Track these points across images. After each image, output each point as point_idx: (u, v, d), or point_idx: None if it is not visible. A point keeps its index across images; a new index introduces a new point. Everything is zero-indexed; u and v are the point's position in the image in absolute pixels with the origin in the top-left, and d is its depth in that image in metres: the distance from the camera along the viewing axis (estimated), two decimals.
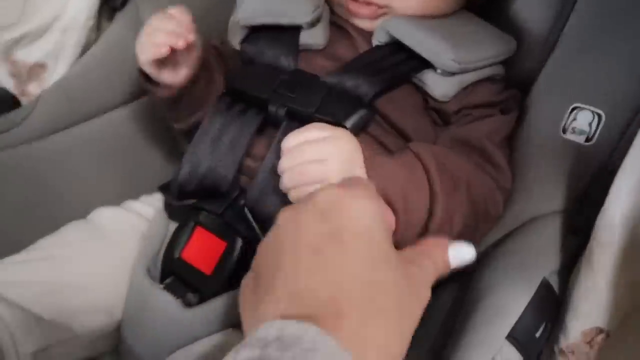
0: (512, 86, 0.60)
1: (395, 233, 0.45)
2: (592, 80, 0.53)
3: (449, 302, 0.56)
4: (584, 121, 0.52)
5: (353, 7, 0.59)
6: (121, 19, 0.73)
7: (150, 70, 0.57)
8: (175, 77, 0.58)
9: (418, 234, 0.50)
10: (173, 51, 0.54)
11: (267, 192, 0.51)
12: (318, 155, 0.47)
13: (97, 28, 0.73)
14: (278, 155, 0.51)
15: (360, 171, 0.48)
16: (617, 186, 0.43)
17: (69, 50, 0.71)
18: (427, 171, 0.50)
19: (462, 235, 0.52)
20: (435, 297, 0.59)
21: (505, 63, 0.60)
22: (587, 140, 0.52)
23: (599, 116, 0.51)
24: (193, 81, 0.60)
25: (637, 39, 0.50)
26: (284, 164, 0.49)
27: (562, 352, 0.49)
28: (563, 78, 0.56)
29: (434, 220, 0.49)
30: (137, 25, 0.70)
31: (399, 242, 0.47)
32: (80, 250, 0.56)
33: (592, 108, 0.52)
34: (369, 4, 0.58)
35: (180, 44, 0.54)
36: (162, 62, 0.56)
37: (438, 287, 0.59)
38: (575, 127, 0.52)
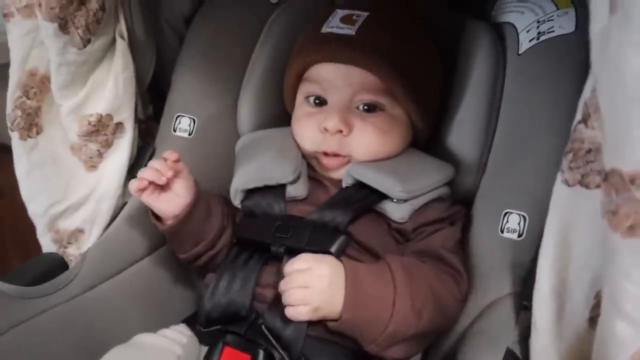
0: (458, 201, 0.77)
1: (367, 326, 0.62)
2: (515, 190, 0.69)
3: None
4: (514, 222, 0.67)
5: (326, 161, 0.77)
6: None
7: (142, 199, 0.73)
8: (168, 206, 0.73)
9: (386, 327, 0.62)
10: (156, 185, 0.71)
11: (282, 315, 0.64)
12: (303, 283, 0.63)
13: (123, 195, 0.87)
14: None
15: (339, 289, 0.62)
16: (540, 267, 0.57)
17: (102, 216, 0.85)
18: (393, 276, 0.64)
19: (432, 322, 0.65)
20: None
21: (450, 184, 0.77)
22: (519, 236, 0.67)
23: (524, 217, 0.67)
24: (189, 214, 0.73)
25: (540, 159, 0.67)
26: (281, 286, 0.64)
27: None
28: (494, 191, 0.72)
29: (397, 313, 0.62)
30: None
31: (368, 334, 0.63)
32: None
33: (518, 212, 0.67)
34: (336, 155, 0.76)
35: (160, 179, 0.71)
36: (158, 193, 0.72)
37: None
38: (509, 227, 0.68)
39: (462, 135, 0.78)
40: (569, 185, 0.53)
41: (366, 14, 0.75)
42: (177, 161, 0.73)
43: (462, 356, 0.65)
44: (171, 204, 0.74)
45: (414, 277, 0.65)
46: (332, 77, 0.75)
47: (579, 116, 0.52)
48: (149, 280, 0.85)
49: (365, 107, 0.75)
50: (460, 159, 0.78)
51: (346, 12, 0.76)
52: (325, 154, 0.77)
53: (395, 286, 0.63)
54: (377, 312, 0.63)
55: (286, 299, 0.63)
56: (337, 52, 0.74)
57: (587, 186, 0.52)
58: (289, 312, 0.63)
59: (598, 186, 0.51)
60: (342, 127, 0.74)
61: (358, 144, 0.75)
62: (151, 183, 0.72)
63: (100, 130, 0.82)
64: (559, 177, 0.54)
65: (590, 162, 0.52)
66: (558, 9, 0.72)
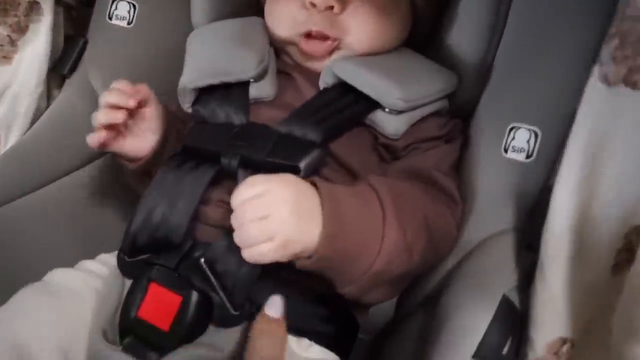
0: (455, 115, 0.63)
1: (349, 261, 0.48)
2: (525, 100, 0.56)
3: (415, 332, 0.57)
4: (522, 139, 0.54)
5: (308, 46, 0.61)
6: (70, 86, 0.75)
7: (107, 149, 0.60)
8: (140, 146, 0.61)
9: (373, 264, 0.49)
10: (114, 126, 0.58)
11: (229, 249, 0.50)
12: (260, 212, 0.47)
13: (47, 96, 0.75)
14: None
15: (312, 217, 0.48)
16: (556, 198, 0.44)
17: (20, 118, 0.73)
18: (380, 201, 0.50)
19: (423, 260, 0.53)
20: (402, 329, 0.59)
21: (448, 96, 0.62)
22: (528, 157, 0.54)
23: (536, 133, 0.54)
24: (161, 148, 0.62)
25: (563, 56, 0.53)
26: (233, 224, 0.48)
27: None
28: (499, 101, 0.59)
29: (385, 248, 0.49)
30: (87, 92, 0.73)
31: (352, 271, 0.49)
32: (35, 312, 0.52)
33: (528, 126, 0.54)
34: (323, 38, 0.60)
35: (119, 116, 0.57)
36: (123, 136, 0.60)
37: (404, 318, 0.60)
38: (515, 146, 0.54)
39: (464, 32, 0.63)
40: (609, 84, 0.39)
41: None
42: (127, 89, 0.59)
43: (447, 301, 0.53)
44: (143, 142, 0.62)
45: (406, 203, 0.52)
46: None
47: None
48: (77, 200, 0.73)
49: None
50: (460, 62, 0.62)
51: None
52: (309, 35, 0.60)
53: (385, 213, 0.50)
54: (362, 245, 0.49)
55: (240, 239, 0.48)
56: None
57: (634, 85, 0.38)
58: (247, 255, 0.48)
59: None
60: (333, 2, 0.58)
61: (352, 25, 0.60)
62: (111, 126, 0.58)
63: (9, 9, 0.68)
64: (595, 72, 0.40)
65: None
66: None
